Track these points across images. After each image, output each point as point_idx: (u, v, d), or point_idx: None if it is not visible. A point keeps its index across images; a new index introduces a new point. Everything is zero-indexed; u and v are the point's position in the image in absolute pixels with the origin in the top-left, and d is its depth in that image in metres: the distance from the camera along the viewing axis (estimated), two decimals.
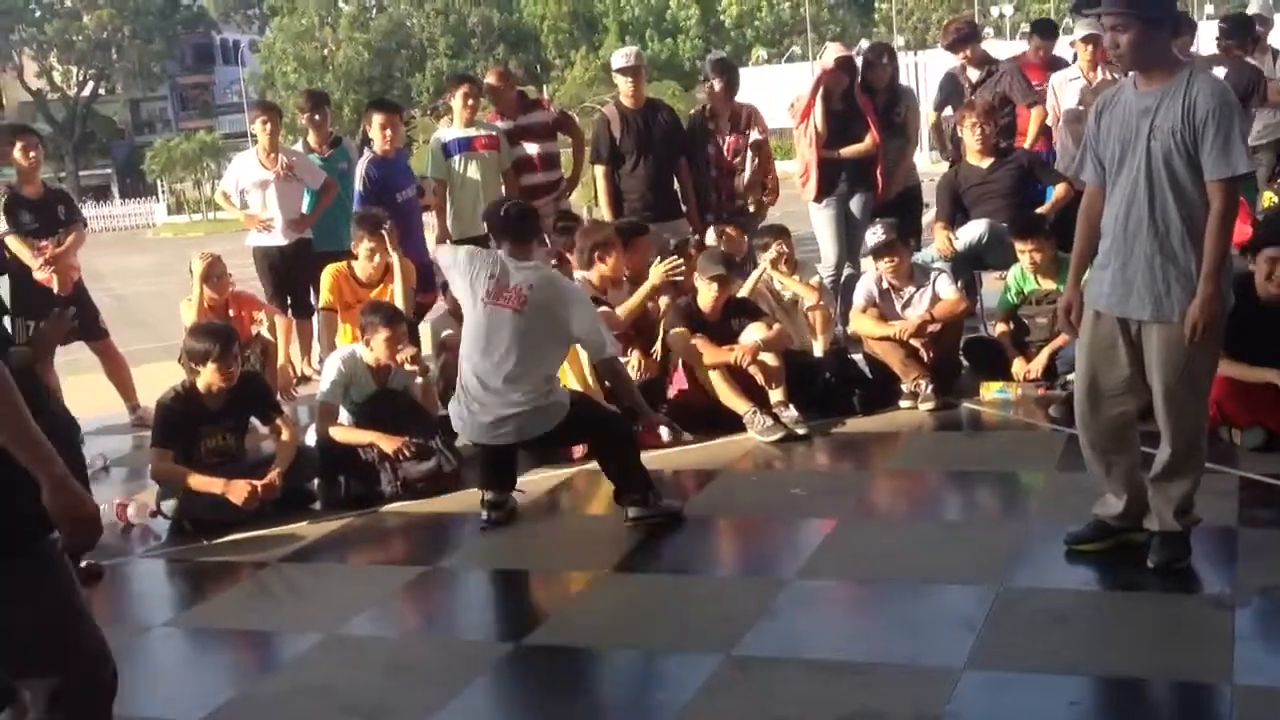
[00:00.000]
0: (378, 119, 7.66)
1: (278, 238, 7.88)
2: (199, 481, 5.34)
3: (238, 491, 5.28)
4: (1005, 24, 52.82)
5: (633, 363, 6.45)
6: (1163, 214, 3.86)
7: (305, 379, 7.68)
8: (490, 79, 8.14)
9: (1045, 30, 8.89)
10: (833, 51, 7.94)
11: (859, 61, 8.13)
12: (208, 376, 5.47)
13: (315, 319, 7.76)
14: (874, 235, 6.79)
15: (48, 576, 2.49)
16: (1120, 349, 4.02)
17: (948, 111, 8.54)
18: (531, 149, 7.90)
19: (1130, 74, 4.01)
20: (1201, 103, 3.76)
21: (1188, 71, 3.87)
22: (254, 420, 5.81)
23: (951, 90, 8.48)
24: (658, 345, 6.58)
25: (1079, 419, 4.18)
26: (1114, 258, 3.97)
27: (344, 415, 5.88)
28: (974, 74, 8.19)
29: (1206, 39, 10.24)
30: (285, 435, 5.63)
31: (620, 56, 7.92)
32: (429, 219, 8.13)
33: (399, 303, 6.75)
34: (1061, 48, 9.04)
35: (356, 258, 6.94)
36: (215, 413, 5.56)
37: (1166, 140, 3.81)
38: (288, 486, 5.54)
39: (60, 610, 2.51)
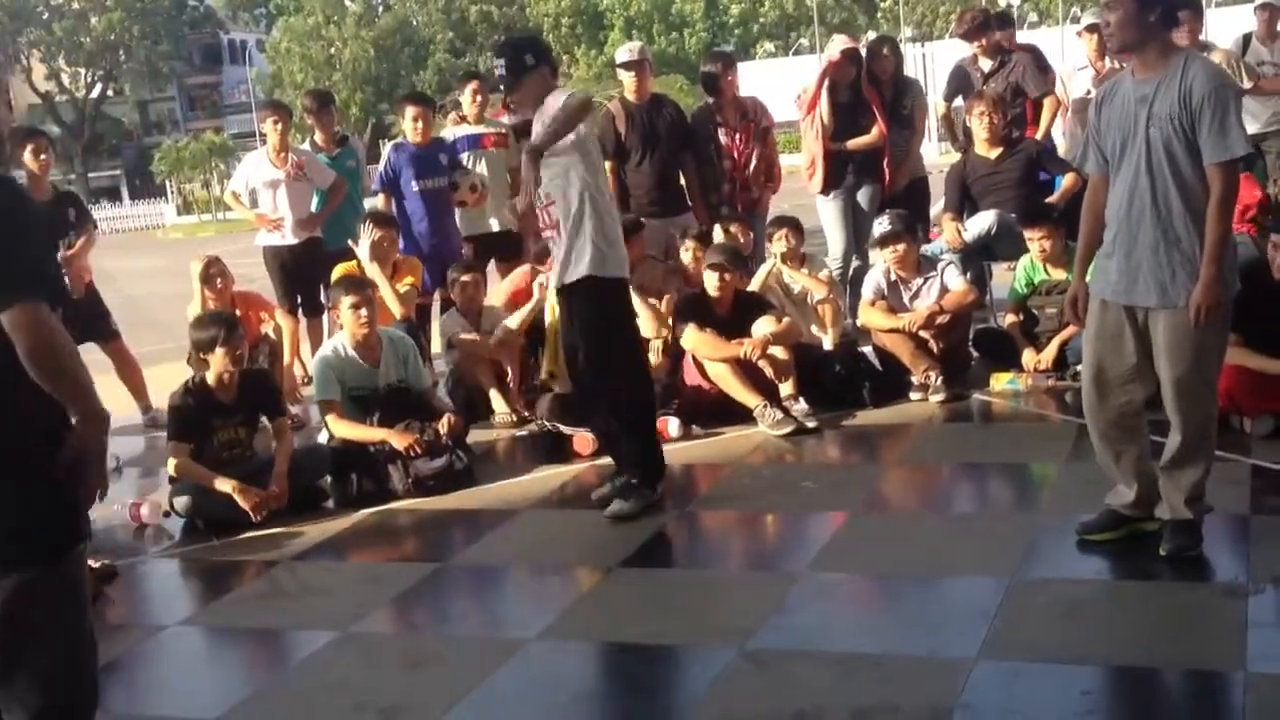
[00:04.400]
0: (410, 111, 7.79)
1: (288, 237, 7.89)
2: (214, 480, 5.38)
3: (249, 498, 5.32)
4: (1013, 13, 52.62)
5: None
6: (1165, 201, 3.86)
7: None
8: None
9: (1002, 22, 8.74)
10: (838, 43, 7.93)
11: (864, 53, 8.12)
12: (218, 364, 5.51)
13: (326, 318, 7.78)
14: (880, 225, 6.80)
15: (72, 594, 2.47)
16: (1127, 338, 4.02)
17: (958, 102, 8.51)
18: None
19: (1128, 63, 4.01)
20: (1197, 87, 3.77)
21: (1184, 57, 3.88)
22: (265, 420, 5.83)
23: (961, 81, 8.45)
24: (661, 340, 6.58)
25: (1087, 409, 4.18)
26: (1119, 246, 3.97)
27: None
28: (986, 64, 8.16)
29: (1215, 27, 10.18)
30: (285, 436, 5.68)
31: (624, 51, 7.90)
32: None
33: (394, 306, 6.77)
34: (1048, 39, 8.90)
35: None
36: (227, 406, 5.59)
37: (1165, 127, 3.82)
38: (298, 485, 5.58)
39: (76, 637, 2.47)
